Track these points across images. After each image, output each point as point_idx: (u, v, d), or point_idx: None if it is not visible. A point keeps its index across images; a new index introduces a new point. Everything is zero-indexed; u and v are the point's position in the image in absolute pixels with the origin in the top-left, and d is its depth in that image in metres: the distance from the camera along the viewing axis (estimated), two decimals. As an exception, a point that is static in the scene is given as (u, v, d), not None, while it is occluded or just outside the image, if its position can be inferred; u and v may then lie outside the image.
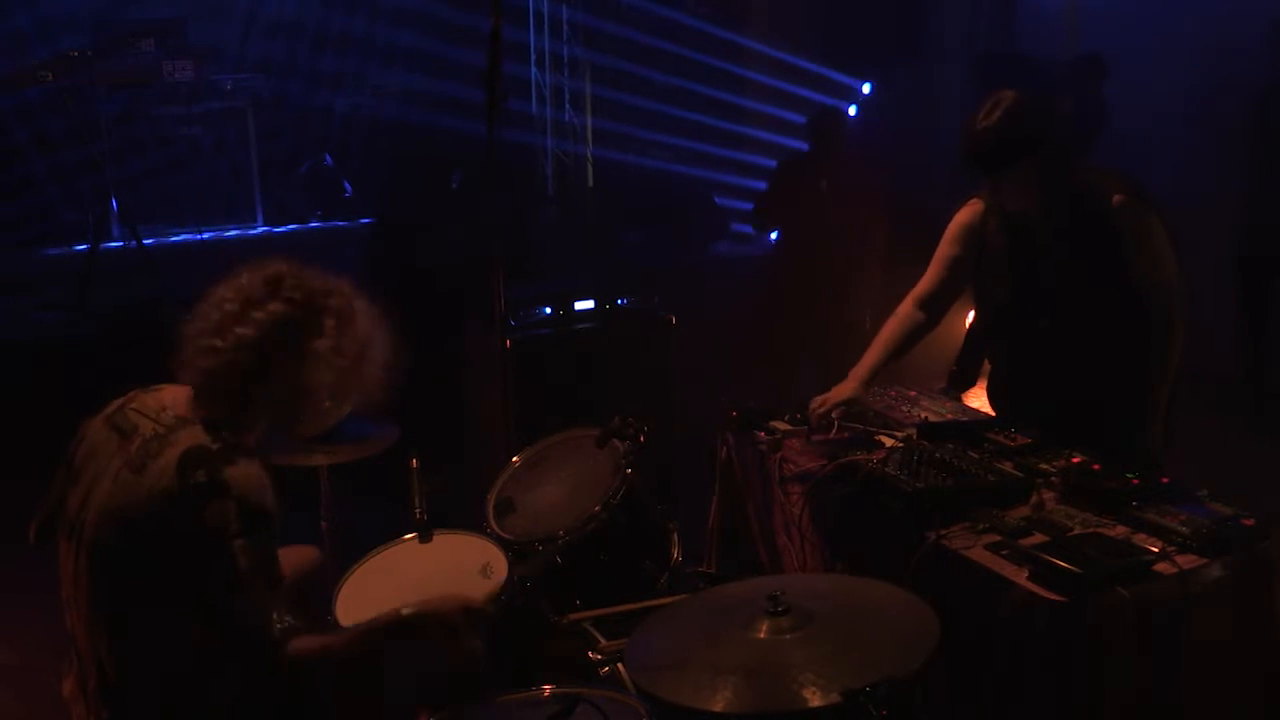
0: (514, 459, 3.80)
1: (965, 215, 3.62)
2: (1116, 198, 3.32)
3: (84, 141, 7.07)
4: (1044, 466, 3.16)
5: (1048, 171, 3.33)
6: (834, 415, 3.47)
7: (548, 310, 5.15)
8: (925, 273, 3.70)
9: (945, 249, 3.64)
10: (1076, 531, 2.81)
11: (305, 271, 2.46)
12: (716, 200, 8.32)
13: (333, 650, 2.39)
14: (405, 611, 2.43)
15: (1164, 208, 3.43)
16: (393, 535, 3.33)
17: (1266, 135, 6.49)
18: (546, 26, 8.73)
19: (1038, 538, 2.81)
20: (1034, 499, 3.03)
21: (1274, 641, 2.83)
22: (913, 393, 3.85)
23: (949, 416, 3.53)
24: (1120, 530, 2.79)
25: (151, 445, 2.33)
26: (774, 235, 8.40)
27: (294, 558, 2.95)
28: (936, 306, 3.66)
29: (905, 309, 3.68)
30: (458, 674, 2.68)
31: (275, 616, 2.37)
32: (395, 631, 2.42)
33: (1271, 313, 6.75)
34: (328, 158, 8.44)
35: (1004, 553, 2.77)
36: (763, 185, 8.44)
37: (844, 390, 3.52)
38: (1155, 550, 2.69)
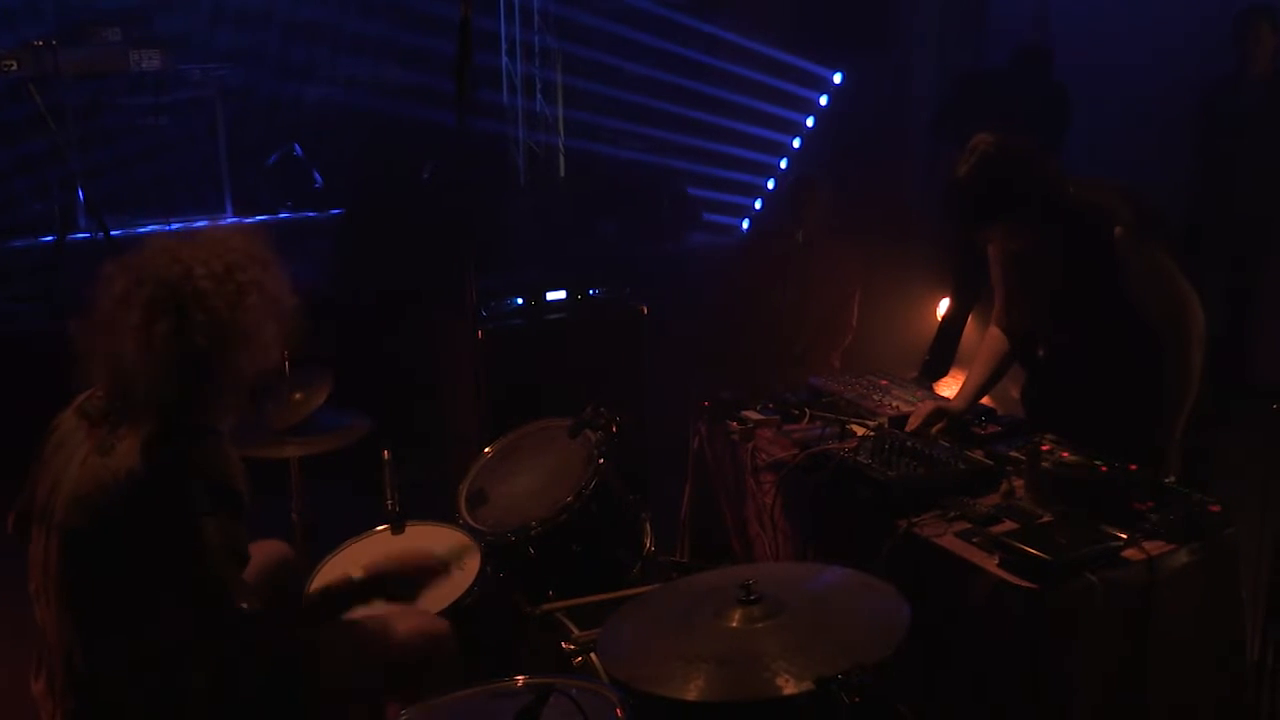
0: (486, 450, 3.80)
1: None
2: (1118, 230, 3.17)
3: (49, 132, 6.96)
4: (1014, 454, 3.18)
5: (1034, 216, 3.21)
6: (933, 430, 3.37)
7: (519, 301, 5.14)
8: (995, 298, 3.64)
9: (994, 271, 3.58)
10: (1046, 519, 2.84)
11: (158, 260, 2.39)
12: (689, 190, 8.31)
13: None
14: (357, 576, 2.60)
15: (1167, 226, 3.32)
16: (365, 527, 3.32)
17: (1212, 135, 6.44)
18: (517, 15, 8.69)
19: (1008, 525, 2.84)
20: (1004, 487, 3.05)
21: (1238, 625, 2.87)
22: (884, 381, 3.87)
23: (918, 405, 3.55)
24: (1089, 517, 2.82)
25: (119, 429, 2.33)
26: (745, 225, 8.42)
27: (262, 552, 2.94)
28: (1015, 325, 3.58)
29: (990, 333, 3.64)
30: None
31: (245, 597, 2.36)
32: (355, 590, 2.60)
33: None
34: (297, 148, 8.36)
35: (975, 540, 2.79)
36: (736, 176, 8.44)
37: (950, 406, 3.47)
38: (1123, 537, 2.71)
